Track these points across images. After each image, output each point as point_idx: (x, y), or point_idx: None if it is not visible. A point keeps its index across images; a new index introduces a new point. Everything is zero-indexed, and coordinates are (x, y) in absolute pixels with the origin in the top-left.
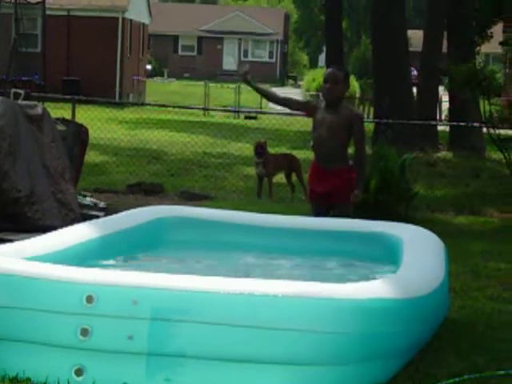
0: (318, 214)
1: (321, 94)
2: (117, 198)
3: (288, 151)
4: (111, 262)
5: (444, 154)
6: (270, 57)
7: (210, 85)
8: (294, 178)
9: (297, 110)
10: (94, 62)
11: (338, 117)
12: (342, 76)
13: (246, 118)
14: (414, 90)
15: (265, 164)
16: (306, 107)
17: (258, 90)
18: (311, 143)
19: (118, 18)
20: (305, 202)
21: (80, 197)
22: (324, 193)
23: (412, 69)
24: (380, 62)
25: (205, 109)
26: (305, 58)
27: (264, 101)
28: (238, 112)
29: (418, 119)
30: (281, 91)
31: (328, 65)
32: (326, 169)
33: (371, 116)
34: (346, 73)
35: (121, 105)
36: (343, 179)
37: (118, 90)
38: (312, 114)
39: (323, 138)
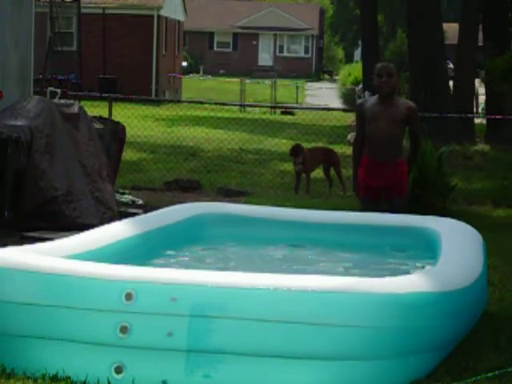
0: (367, 210)
1: (362, 91)
2: (154, 195)
3: (325, 146)
4: (150, 259)
5: (481, 147)
6: (306, 52)
7: (246, 81)
8: (331, 172)
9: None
10: (129, 59)
11: (395, 109)
12: (394, 68)
13: (283, 113)
14: (450, 83)
15: (303, 161)
16: (362, 116)
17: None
18: (349, 137)
19: (153, 16)
20: (342, 196)
21: (118, 194)
22: (382, 187)
23: (448, 62)
24: (416, 56)
25: (241, 105)
26: (340, 53)
27: (300, 96)
28: (275, 108)
29: (454, 112)
30: (317, 86)
31: (364, 59)
32: (383, 162)
33: None
34: (395, 65)
35: (157, 102)
36: (402, 172)
37: (154, 87)
38: (363, 112)
39: (382, 130)
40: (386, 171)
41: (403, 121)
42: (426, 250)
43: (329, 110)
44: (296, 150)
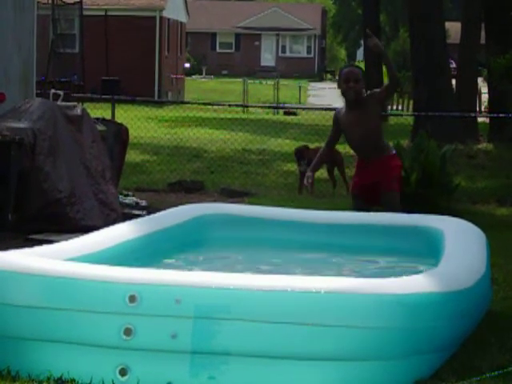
0: (359, 210)
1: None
2: (158, 196)
3: None
4: (154, 260)
5: (484, 145)
6: (308, 52)
7: (249, 81)
8: (335, 172)
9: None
10: (132, 61)
11: (363, 109)
12: (361, 73)
13: (286, 113)
14: (453, 82)
15: (308, 162)
16: (337, 123)
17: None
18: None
19: (155, 17)
20: (346, 197)
21: (121, 196)
22: (371, 183)
23: (451, 61)
24: (418, 55)
25: (244, 106)
26: (343, 53)
27: (303, 96)
28: (278, 108)
29: (457, 111)
30: (319, 86)
31: (366, 59)
32: (371, 160)
33: (410, 109)
34: (361, 69)
35: (160, 103)
36: (390, 167)
37: (156, 88)
38: (338, 120)
39: (360, 134)
40: (373, 168)
41: (374, 113)
42: (429, 249)
43: (332, 109)
44: (300, 154)
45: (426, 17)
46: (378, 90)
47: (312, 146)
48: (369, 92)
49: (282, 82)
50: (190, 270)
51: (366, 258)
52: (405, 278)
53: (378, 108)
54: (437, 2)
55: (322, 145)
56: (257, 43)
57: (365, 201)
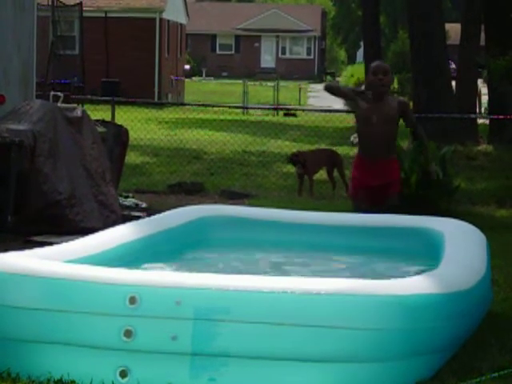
0: (360, 210)
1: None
2: (158, 198)
3: (328, 147)
4: (154, 262)
5: (484, 147)
6: (308, 53)
7: (249, 83)
8: (335, 173)
9: (344, 97)
10: (132, 62)
11: (388, 107)
12: (389, 67)
13: (286, 115)
14: (453, 83)
15: (304, 164)
16: (354, 96)
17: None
18: (352, 139)
19: (155, 19)
20: (346, 198)
21: (121, 198)
22: (378, 185)
23: (450, 62)
24: (418, 56)
25: (244, 107)
26: (343, 54)
27: (303, 98)
28: (277, 109)
29: (457, 113)
30: (319, 87)
31: (366, 60)
32: (378, 160)
33: None
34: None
35: (160, 105)
36: (396, 169)
37: (156, 90)
38: (355, 102)
39: (378, 129)
40: (382, 170)
41: (396, 117)
42: (429, 250)
43: (331, 111)
44: (295, 157)
45: (426, 16)
46: (409, 109)
47: (312, 147)
48: (402, 99)
49: (282, 83)
50: (190, 271)
51: (367, 260)
52: (405, 279)
53: (398, 116)
54: (436, 1)
55: (322, 146)
56: (257, 45)
57: (366, 202)
